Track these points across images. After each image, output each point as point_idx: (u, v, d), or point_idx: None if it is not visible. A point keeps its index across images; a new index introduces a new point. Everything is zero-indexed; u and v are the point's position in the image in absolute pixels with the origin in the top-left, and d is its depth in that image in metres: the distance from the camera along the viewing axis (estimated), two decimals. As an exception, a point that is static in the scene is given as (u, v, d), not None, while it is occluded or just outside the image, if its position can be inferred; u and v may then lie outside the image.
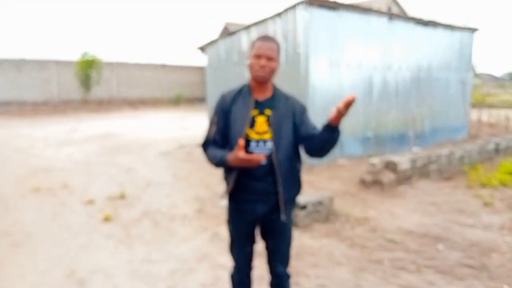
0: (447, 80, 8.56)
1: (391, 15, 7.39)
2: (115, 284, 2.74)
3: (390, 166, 5.23)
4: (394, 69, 7.48)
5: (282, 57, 6.66)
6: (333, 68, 6.57)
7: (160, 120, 14.14)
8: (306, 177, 5.41)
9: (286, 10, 6.50)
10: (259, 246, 2.03)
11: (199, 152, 6.90)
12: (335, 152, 6.62)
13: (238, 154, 1.64)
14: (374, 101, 7.22)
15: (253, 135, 1.78)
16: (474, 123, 9.42)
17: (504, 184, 5.32)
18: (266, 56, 1.74)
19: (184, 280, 2.80)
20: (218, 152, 1.81)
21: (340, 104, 1.52)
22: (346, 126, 6.80)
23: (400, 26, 7.44)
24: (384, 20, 7.16)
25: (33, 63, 17.93)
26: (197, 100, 22.16)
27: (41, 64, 18.12)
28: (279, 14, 6.71)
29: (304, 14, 6.13)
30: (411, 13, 22.18)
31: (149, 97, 21.33)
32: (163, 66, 22.14)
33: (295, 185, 1.91)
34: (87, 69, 18.00)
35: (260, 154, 1.69)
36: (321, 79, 6.42)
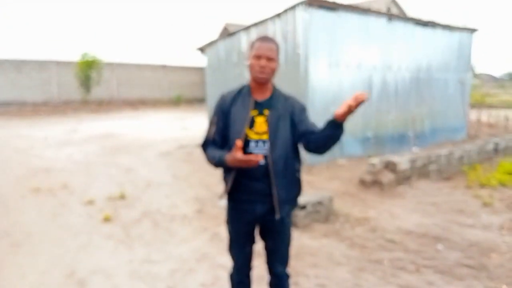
0: (446, 80, 8.58)
1: (390, 16, 7.41)
2: (115, 284, 2.74)
3: (390, 166, 5.24)
4: (394, 70, 7.49)
5: (282, 58, 6.67)
6: (332, 68, 6.58)
7: (160, 120, 14.15)
8: (305, 177, 5.42)
9: (285, 11, 6.52)
10: (259, 246, 2.03)
11: (199, 152, 6.91)
12: (334, 152, 6.63)
13: (235, 155, 1.64)
14: (374, 101, 7.23)
15: (252, 136, 1.79)
16: (473, 123, 9.44)
17: (503, 184, 5.33)
18: (266, 56, 1.74)
19: (184, 280, 2.80)
20: (217, 153, 1.81)
21: (351, 100, 1.50)
22: (346, 126, 6.79)
23: (399, 26, 7.45)
24: (383, 20, 7.17)
25: (33, 63, 17.94)
26: (197, 101, 22.17)
27: (41, 65, 18.13)
28: (278, 15, 6.72)
29: (304, 15, 6.14)
30: (410, 13, 22.18)
31: (149, 97, 21.35)
32: (163, 67, 22.15)
33: (294, 186, 1.89)
34: (87, 70, 18.02)
35: (258, 154, 1.69)
36: (321, 79, 6.43)
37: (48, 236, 3.60)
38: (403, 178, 5.30)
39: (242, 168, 1.72)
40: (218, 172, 1.97)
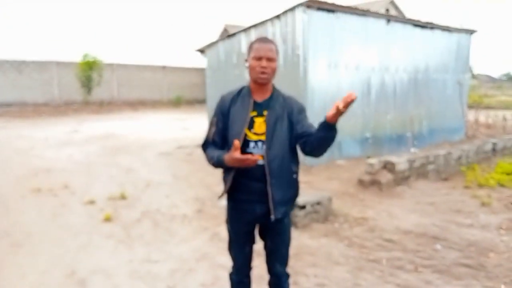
0: (445, 81, 8.61)
1: (389, 17, 7.44)
2: (115, 284, 2.76)
3: (388, 166, 5.26)
4: (392, 71, 7.52)
5: (281, 59, 6.70)
6: (331, 69, 6.61)
7: (160, 121, 14.16)
8: (304, 177, 5.45)
9: (285, 12, 6.55)
10: (259, 246, 2.04)
11: (199, 152, 6.93)
12: (333, 152, 6.66)
13: (233, 155, 1.66)
14: (372, 102, 7.26)
15: (251, 136, 1.80)
16: (471, 123, 9.47)
17: (501, 184, 5.35)
18: (266, 57, 1.76)
19: (184, 280, 2.82)
20: (216, 153, 1.83)
21: (341, 102, 1.52)
22: (344, 127, 6.83)
23: (398, 28, 7.49)
24: (382, 22, 7.20)
25: (33, 64, 17.97)
26: (197, 102, 22.18)
27: (42, 66, 18.16)
28: (278, 16, 6.75)
29: (303, 16, 6.17)
30: (409, 15, 22.24)
31: (149, 98, 21.37)
32: (163, 68, 22.18)
33: (290, 187, 1.88)
34: (88, 71, 18.04)
35: (255, 155, 1.71)
36: (320, 80, 6.46)
37: (48, 236, 3.61)
38: (402, 178, 5.32)
39: (241, 168, 1.73)
40: (218, 172, 1.99)
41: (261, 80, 1.78)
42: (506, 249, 3.32)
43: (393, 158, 5.43)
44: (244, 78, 7.63)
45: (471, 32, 9.01)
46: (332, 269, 2.97)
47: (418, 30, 7.84)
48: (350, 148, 6.94)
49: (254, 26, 7.52)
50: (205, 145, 1.93)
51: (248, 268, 2.05)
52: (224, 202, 2.02)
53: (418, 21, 7.76)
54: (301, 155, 1.89)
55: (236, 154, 1.65)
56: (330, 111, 1.57)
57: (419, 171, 5.60)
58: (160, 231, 3.75)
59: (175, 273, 2.91)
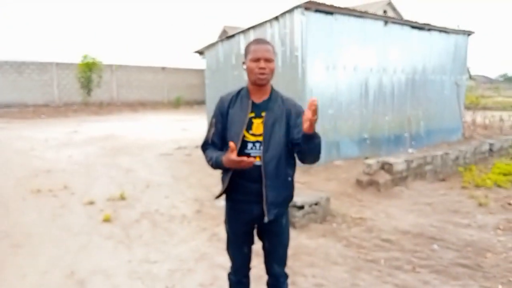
0: (442, 82, 8.65)
1: (386, 19, 7.48)
2: (115, 285, 2.77)
3: (386, 167, 5.29)
4: (390, 72, 7.55)
5: (280, 60, 6.73)
6: (329, 70, 6.64)
7: (159, 122, 14.18)
8: (303, 178, 5.47)
9: (283, 14, 6.58)
10: (257, 246, 2.06)
11: (199, 153, 6.95)
12: (331, 153, 6.69)
13: (230, 157, 1.68)
14: (370, 103, 7.29)
15: (249, 137, 1.82)
16: (468, 124, 9.49)
17: (498, 185, 5.38)
18: (264, 58, 1.77)
19: (183, 280, 2.83)
20: (214, 154, 1.84)
21: (307, 113, 1.55)
22: (342, 128, 6.87)
23: (395, 29, 7.52)
24: (380, 23, 7.24)
25: (33, 65, 17.99)
26: (197, 103, 22.20)
27: (42, 67, 18.17)
28: (276, 18, 6.78)
29: (301, 18, 6.20)
30: (406, 16, 22.32)
31: (149, 99, 21.39)
32: (163, 69, 22.20)
33: (285, 189, 1.88)
34: (88, 72, 18.07)
35: (251, 157, 1.72)
36: (318, 81, 6.49)
37: (48, 236, 3.63)
38: (399, 179, 5.35)
39: (239, 169, 1.74)
40: (217, 173, 2.01)
41: (260, 81, 1.79)
42: (503, 249, 3.34)
43: (391, 159, 5.46)
44: (243, 79, 7.66)
45: (468, 33, 9.05)
46: (330, 269, 2.99)
47: (415, 32, 7.87)
48: (348, 148, 6.97)
49: (253, 27, 7.56)
50: (205, 146, 1.94)
51: (247, 268, 2.06)
52: (222, 202, 2.04)
53: (415, 22, 7.79)
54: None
55: (232, 156, 1.67)
56: (304, 124, 1.58)
57: (416, 172, 5.63)
58: (159, 232, 3.77)
59: (174, 273, 2.93)
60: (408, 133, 7.89)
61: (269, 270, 2.03)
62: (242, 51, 8.43)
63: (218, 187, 1.97)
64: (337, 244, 3.46)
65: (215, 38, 10.97)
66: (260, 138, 1.81)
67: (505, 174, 5.78)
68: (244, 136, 1.81)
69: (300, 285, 2.76)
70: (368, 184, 5.18)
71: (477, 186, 5.34)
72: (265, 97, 1.87)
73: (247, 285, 2.10)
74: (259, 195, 1.81)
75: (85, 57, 18.06)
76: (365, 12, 7.05)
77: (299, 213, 3.78)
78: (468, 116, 9.63)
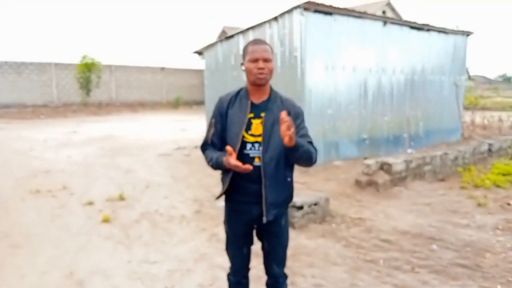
0: (441, 82, 8.66)
1: (385, 19, 7.49)
2: (114, 285, 2.77)
3: (385, 167, 5.30)
4: (389, 72, 7.57)
5: (279, 61, 6.73)
6: (328, 71, 6.65)
7: (159, 122, 14.18)
8: (302, 178, 5.47)
9: (282, 14, 6.59)
10: (256, 246, 2.06)
11: (198, 154, 6.95)
12: (331, 153, 6.71)
13: (228, 160, 1.69)
14: (369, 103, 7.31)
15: (248, 138, 1.82)
16: (467, 125, 9.51)
17: (497, 185, 5.39)
18: (262, 58, 1.77)
19: (182, 280, 2.83)
20: (214, 154, 1.84)
21: (282, 128, 1.57)
22: (341, 128, 6.88)
23: (394, 30, 7.53)
24: (379, 24, 7.25)
25: (32, 66, 18.00)
26: (196, 103, 22.20)
27: (41, 67, 18.18)
28: (275, 18, 6.79)
29: (300, 19, 6.21)
30: (405, 17, 22.36)
31: (148, 100, 21.39)
32: (162, 69, 22.20)
33: (284, 190, 1.88)
34: (87, 72, 18.07)
35: (247, 165, 1.70)
36: (317, 82, 6.50)
37: (47, 237, 3.63)
38: (398, 179, 5.36)
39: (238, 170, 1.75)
40: (217, 173, 2.00)
41: (259, 82, 1.79)
42: (502, 250, 3.35)
43: (390, 159, 5.46)
44: (242, 80, 7.66)
45: (467, 33, 9.07)
46: (330, 269, 3.00)
47: (414, 32, 7.89)
48: (347, 149, 6.98)
49: (252, 28, 7.56)
50: (204, 147, 1.94)
51: (246, 269, 2.06)
52: (222, 203, 2.04)
53: (414, 23, 7.81)
54: None
55: (231, 160, 1.68)
56: (283, 139, 1.60)
57: (415, 172, 5.64)
58: (158, 232, 3.77)
59: (173, 273, 2.93)
60: (407, 133, 7.90)
61: (268, 271, 2.03)
62: (241, 52, 8.43)
63: (218, 188, 1.97)
64: (336, 245, 3.46)
65: (214, 39, 10.98)
66: (259, 139, 1.81)
67: (504, 174, 5.79)
68: (243, 136, 1.81)
69: (299, 285, 2.76)
70: (367, 184, 5.19)
71: (476, 186, 5.35)
72: (264, 97, 1.87)
73: (246, 285, 2.10)
74: (259, 195, 1.81)
75: (84, 57, 18.07)
76: (364, 13, 7.06)
77: (299, 214, 3.79)
78: (467, 117, 9.66)
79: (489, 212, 4.39)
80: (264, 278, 2.08)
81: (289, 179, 1.90)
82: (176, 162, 7.13)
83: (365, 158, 6.26)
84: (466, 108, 10.13)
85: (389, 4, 25.06)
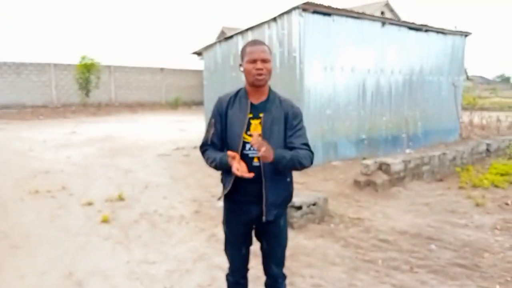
0: (439, 83, 8.69)
1: (384, 20, 7.51)
2: (113, 285, 2.78)
3: (384, 167, 5.31)
4: (387, 73, 7.59)
5: (278, 61, 6.74)
6: (327, 71, 6.67)
7: (158, 123, 14.18)
8: (301, 178, 5.48)
9: (281, 15, 6.60)
10: (255, 247, 2.06)
11: (197, 154, 6.95)
12: (329, 154, 6.73)
13: (234, 170, 1.69)
14: (368, 104, 7.32)
15: (247, 138, 1.82)
16: (466, 125, 9.52)
17: (495, 185, 5.40)
18: (261, 58, 1.77)
19: (181, 280, 2.84)
20: (218, 154, 1.84)
21: (257, 148, 1.62)
22: (340, 129, 6.90)
23: (393, 30, 7.56)
24: (377, 24, 7.27)
25: (32, 66, 18.00)
26: (195, 104, 22.19)
27: (40, 68, 18.17)
28: (274, 19, 6.80)
29: (299, 19, 6.22)
30: (404, 17, 22.42)
31: (147, 100, 21.38)
32: (161, 70, 22.20)
33: (283, 190, 1.90)
34: (86, 73, 18.06)
35: (252, 173, 1.71)
36: (316, 82, 6.52)
37: (46, 237, 3.63)
38: (397, 179, 5.37)
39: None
40: (216, 174, 2.01)
41: (258, 82, 1.80)
42: (501, 249, 3.35)
43: (388, 159, 5.48)
44: (241, 80, 7.65)
45: (465, 34, 9.10)
46: (328, 269, 3.00)
47: (413, 33, 7.91)
48: (346, 149, 6.99)
49: (251, 28, 7.57)
50: (204, 147, 1.94)
51: (245, 269, 2.07)
52: (221, 203, 2.05)
53: (413, 23, 7.83)
54: None
55: (234, 165, 1.69)
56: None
57: (414, 172, 5.65)
58: (157, 232, 3.78)
59: (172, 274, 2.94)
60: (405, 133, 7.92)
61: (267, 271, 2.03)
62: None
63: (217, 188, 1.98)
64: (335, 245, 3.47)
65: (213, 39, 10.98)
66: (258, 139, 1.82)
67: (502, 174, 5.81)
68: (243, 137, 1.82)
69: (298, 285, 2.77)
70: (365, 184, 5.20)
71: (475, 186, 5.37)
72: (263, 98, 1.87)
73: (245, 285, 2.10)
74: (258, 195, 1.81)
75: (83, 58, 18.06)
76: (363, 13, 7.08)
77: (297, 214, 3.80)
78: (465, 117, 9.67)
79: (487, 212, 4.40)
80: (263, 278, 2.09)
81: (288, 179, 1.91)
82: (175, 162, 7.13)
83: (364, 158, 6.27)
84: (464, 108, 10.15)
85: (387, 5, 25.12)
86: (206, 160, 1.90)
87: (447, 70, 8.81)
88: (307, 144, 1.85)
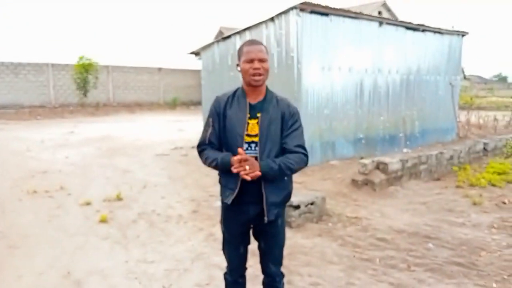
0: (437, 82, 8.72)
1: (381, 20, 7.54)
2: (111, 285, 2.78)
3: (381, 166, 5.33)
4: (385, 73, 7.61)
5: (275, 61, 6.75)
6: (325, 71, 6.68)
7: (156, 123, 14.16)
8: (299, 178, 5.49)
9: (279, 15, 6.61)
10: (253, 246, 2.07)
11: (195, 154, 6.95)
12: (327, 153, 6.74)
13: (241, 172, 1.69)
14: (365, 103, 7.34)
15: (245, 138, 1.82)
16: (463, 124, 9.57)
17: (492, 184, 5.43)
18: (258, 58, 1.78)
19: (179, 280, 2.84)
20: (219, 154, 1.83)
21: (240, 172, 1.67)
22: (338, 128, 6.91)
23: (390, 30, 7.58)
24: (374, 24, 7.29)
25: (30, 66, 17.92)
26: (193, 104, 22.16)
27: (38, 68, 18.10)
28: (272, 19, 6.81)
29: (297, 19, 6.23)
30: (401, 17, 22.47)
31: (145, 100, 21.33)
32: (159, 70, 22.15)
33: (283, 189, 1.89)
34: (84, 73, 18.00)
35: (245, 173, 1.71)
36: (314, 82, 6.53)
37: (44, 237, 3.63)
38: (394, 178, 5.40)
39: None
40: (213, 173, 2.01)
41: (255, 82, 1.80)
42: (498, 248, 3.37)
43: (385, 159, 5.50)
44: (239, 80, 7.64)
45: (462, 34, 9.14)
46: (326, 268, 3.02)
47: (410, 32, 7.94)
48: (344, 148, 7.01)
49: (249, 28, 7.57)
50: (201, 146, 1.93)
51: (243, 268, 2.07)
52: (218, 203, 2.05)
53: (410, 23, 7.86)
54: None
55: (236, 166, 1.69)
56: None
57: (411, 171, 5.68)
58: (155, 232, 3.78)
59: (170, 273, 2.94)
60: (403, 133, 7.95)
61: (265, 270, 2.04)
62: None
63: (214, 187, 1.99)
64: (333, 244, 3.48)
65: (211, 39, 10.98)
66: (255, 139, 1.82)
67: (499, 173, 5.84)
68: None
69: (296, 284, 2.78)
70: (363, 183, 5.22)
71: (472, 185, 5.40)
72: (260, 98, 1.87)
73: (243, 285, 2.11)
74: (256, 195, 1.82)
75: (81, 58, 17.99)
76: (360, 13, 7.10)
77: (295, 213, 3.81)
78: (463, 116, 9.71)
79: (484, 210, 4.43)
80: (261, 277, 2.09)
81: (287, 178, 1.90)
82: (173, 162, 7.13)
83: (361, 158, 6.29)
84: (462, 108, 10.20)
85: (384, 5, 25.16)
86: (205, 159, 1.89)
87: (444, 70, 8.85)
88: (301, 146, 1.84)
